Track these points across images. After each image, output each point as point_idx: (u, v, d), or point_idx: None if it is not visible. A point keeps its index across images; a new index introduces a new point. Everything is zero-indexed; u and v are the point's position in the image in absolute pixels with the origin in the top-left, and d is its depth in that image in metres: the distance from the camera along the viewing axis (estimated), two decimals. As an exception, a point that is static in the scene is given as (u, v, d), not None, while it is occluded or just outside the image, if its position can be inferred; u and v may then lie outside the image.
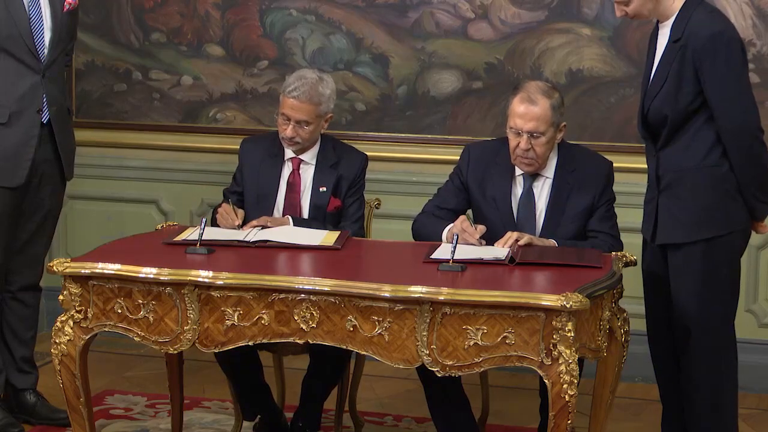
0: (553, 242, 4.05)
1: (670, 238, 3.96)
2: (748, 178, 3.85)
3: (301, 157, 4.42)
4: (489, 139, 4.55)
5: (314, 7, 5.57)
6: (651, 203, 4.03)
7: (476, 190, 4.22)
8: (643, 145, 4.08)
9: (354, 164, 4.45)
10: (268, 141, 4.50)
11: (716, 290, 3.93)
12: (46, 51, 4.39)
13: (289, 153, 4.43)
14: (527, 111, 4.05)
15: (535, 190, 4.16)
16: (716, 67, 3.80)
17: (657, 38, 3.99)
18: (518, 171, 4.17)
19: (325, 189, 4.40)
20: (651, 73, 3.98)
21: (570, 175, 4.15)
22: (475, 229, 4.01)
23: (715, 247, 3.88)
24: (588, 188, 4.14)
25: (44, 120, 4.42)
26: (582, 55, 5.32)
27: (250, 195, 4.44)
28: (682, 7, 3.89)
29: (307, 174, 4.43)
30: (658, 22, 3.99)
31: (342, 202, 4.42)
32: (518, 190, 4.18)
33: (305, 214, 4.40)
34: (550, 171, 4.16)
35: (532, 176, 4.16)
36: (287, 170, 4.43)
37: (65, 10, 4.44)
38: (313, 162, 4.43)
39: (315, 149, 4.43)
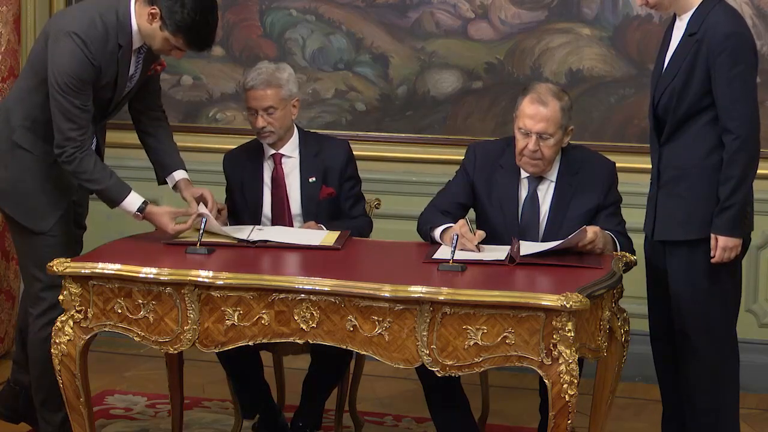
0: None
1: (667, 234, 3.97)
2: (726, 176, 3.84)
3: (281, 151, 4.42)
4: (491, 139, 4.53)
5: (314, 7, 5.57)
6: (652, 200, 4.04)
7: (482, 191, 4.18)
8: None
9: (337, 152, 4.45)
10: (247, 149, 4.50)
11: (716, 292, 3.93)
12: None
13: (269, 150, 4.43)
14: (537, 112, 4.01)
15: (539, 194, 4.13)
16: (727, 66, 3.80)
17: (672, 31, 4.00)
18: (524, 174, 4.14)
19: (314, 179, 4.40)
20: (663, 65, 3.98)
21: (573, 177, 4.12)
22: (474, 234, 3.95)
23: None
24: (591, 190, 4.10)
25: None
26: (582, 55, 5.31)
27: (241, 202, 4.43)
28: (702, 2, 3.90)
29: (290, 167, 4.43)
30: (675, 15, 3.99)
31: (338, 193, 4.41)
32: (523, 193, 4.15)
33: (295, 208, 4.40)
34: (553, 174, 4.12)
35: (536, 179, 4.13)
36: (269, 167, 4.43)
37: (149, 73, 4.31)
38: (295, 155, 4.43)
39: (294, 142, 4.44)
